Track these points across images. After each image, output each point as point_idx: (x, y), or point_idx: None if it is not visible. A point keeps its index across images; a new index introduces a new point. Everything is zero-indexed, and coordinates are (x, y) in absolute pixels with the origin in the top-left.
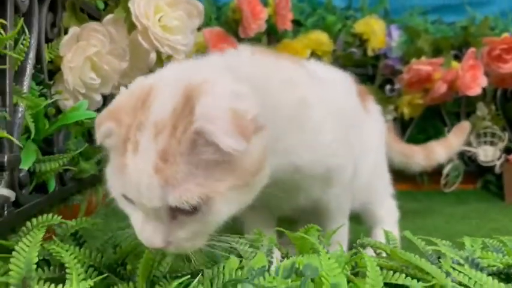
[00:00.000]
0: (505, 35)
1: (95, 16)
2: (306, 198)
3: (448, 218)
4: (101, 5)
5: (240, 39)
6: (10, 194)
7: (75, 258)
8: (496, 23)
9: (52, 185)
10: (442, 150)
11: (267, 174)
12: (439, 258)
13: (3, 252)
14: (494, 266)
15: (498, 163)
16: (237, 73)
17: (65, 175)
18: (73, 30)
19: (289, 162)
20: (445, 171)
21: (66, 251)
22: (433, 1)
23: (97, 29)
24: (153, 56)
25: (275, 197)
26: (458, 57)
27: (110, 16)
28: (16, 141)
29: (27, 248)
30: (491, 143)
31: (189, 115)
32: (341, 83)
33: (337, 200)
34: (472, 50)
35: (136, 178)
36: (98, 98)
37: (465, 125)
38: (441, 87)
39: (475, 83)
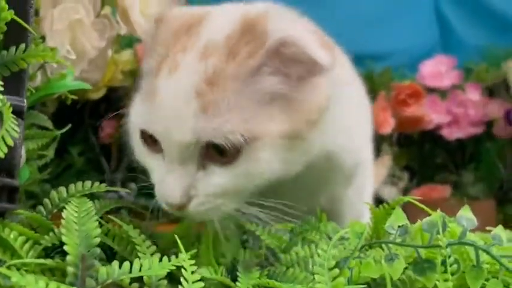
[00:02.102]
0: (408, 82)
1: None
2: (326, 198)
3: None
4: None
5: None
6: None
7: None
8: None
9: (25, 174)
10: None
11: (318, 147)
12: None
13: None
14: None
15: None
16: None
17: None
18: None
19: (322, 146)
20: None
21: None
22: None
23: None
24: (109, 52)
25: (295, 195)
26: None
27: None
28: None
29: (75, 218)
30: (392, 183)
31: (256, 39)
32: None
33: (352, 206)
34: (382, 93)
35: (169, 102)
36: None
37: (387, 157)
38: None
39: (386, 123)
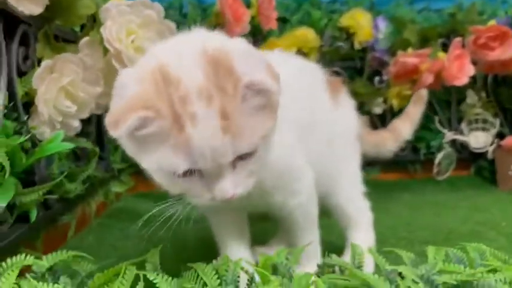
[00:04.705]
0: (492, 22)
1: (71, 39)
2: (269, 205)
3: (438, 209)
4: (78, 28)
5: None
6: None
7: None
8: (484, 7)
9: (34, 215)
10: (407, 126)
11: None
12: (400, 274)
13: None
14: (450, 283)
15: (490, 149)
16: None
17: (49, 199)
18: (45, 63)
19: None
20: (437, 160)
21: None
22: None
23: (70, 59)
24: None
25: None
26: (446, 46)
27: (85, 39)
28: None
29: None
30: (483, 129)
31: (230, 75)
32: (301, 75)
33: (303, 210)
34: (457, 39)
35: (207, 144)
36: (76, 123)
37: (423, 93)
38: (428, 79)
39: (462, 72)
